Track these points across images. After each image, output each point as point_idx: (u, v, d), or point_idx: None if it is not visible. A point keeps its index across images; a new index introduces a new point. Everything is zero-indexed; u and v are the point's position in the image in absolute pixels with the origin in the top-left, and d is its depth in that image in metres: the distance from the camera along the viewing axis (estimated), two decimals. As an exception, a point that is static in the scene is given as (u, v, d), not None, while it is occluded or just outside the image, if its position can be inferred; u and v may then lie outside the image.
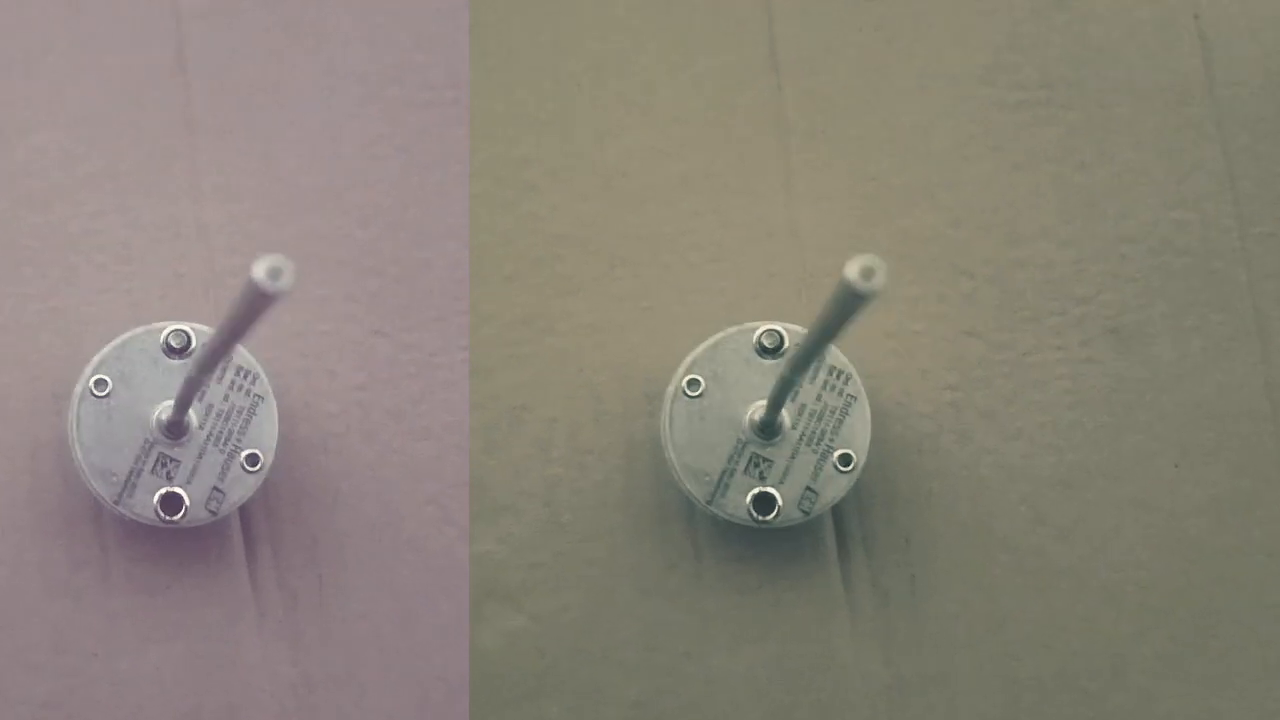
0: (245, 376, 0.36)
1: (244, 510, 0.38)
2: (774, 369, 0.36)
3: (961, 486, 0.38)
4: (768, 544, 0.39)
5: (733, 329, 0.37)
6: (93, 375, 0.35)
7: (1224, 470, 0.38)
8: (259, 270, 0.21)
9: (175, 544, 0.37)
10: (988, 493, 0.38)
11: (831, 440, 0.37)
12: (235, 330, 0.24)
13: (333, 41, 0.39)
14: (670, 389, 0.37)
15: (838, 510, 0.39)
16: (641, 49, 0.40)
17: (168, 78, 0.38)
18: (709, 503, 0.37)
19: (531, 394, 0.39)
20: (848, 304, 0.22)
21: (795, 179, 0.39)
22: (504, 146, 0.39)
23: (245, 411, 0.36)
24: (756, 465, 0.37)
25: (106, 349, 0.36)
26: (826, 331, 0.24)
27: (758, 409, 0.36)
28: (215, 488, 0.36)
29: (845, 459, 0.37)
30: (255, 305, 0.22)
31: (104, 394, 0.35)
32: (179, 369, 0.35)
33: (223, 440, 0.36)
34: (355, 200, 0.39)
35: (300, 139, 0.39)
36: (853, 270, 0.21)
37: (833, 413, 0.37)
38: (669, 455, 0.37)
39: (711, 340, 0.37)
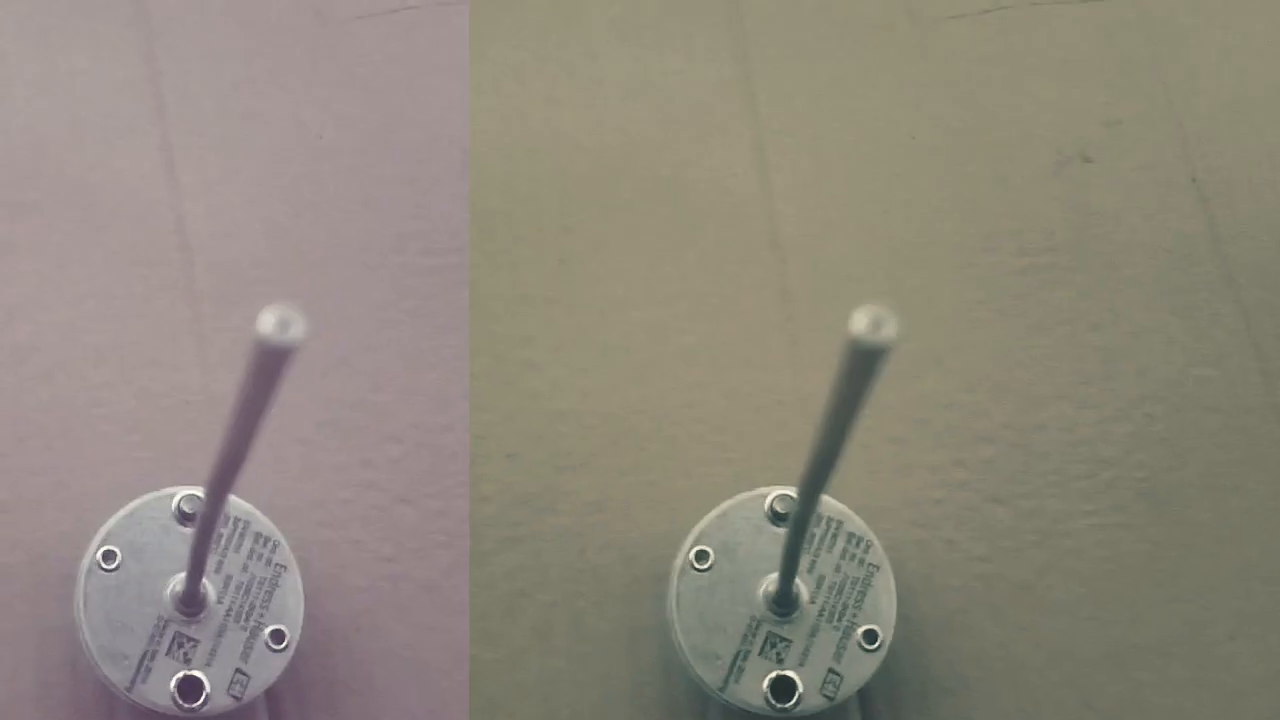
0: (265, 544, 0.34)
1: (271, 701, 0.34)
2: (788, 537, 0.34)
3: (999, 669, 0.35)
4: (790, 740, 0.35)
5: (743, 495, 0.35)
6: (100, 546, 0.33)
7: (1285, 641, 0.35)
8: (266, 323, 0.19)
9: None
10: (1029, 676, 0.35)
11: (854, 615, 0.34)
12: (250, 410, 0.21)
13: (334, 211, 0.39)
14: (677, 562, 0.35)
15: (865, 701, 0.35)
16: (643, 226, 0.40)
17: (171, 251, 0.38)
18: (721, 689, 0.34)
19: (530, 578, 0.36)
20: (860, 366, 0.20)
21: (800, 348, 0.38)
22: (504, 325, 0.39)
23: (267, 583, 0.33)
24: (773, 645, 0.34)
25: (115, 518, 0.33)
26: (841, 414, 0.22)
27: (772, 582, 0.34)
28: (239, 669, 0.32)
29: (870, 635, 0.34)
30: (268, 367, 0.20)
31: (113, 566, 0.33)
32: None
33: (244, 615, 0.33)
34: (366, 365, 0.37)
35: (304, 304, 0.38)
36: (860, 323, 0.19)
37: (854, 584, 0.34)
38: (676, 637, 0.34)
39: (720, 508, 0.35)
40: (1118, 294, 0.38)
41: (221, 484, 0.25)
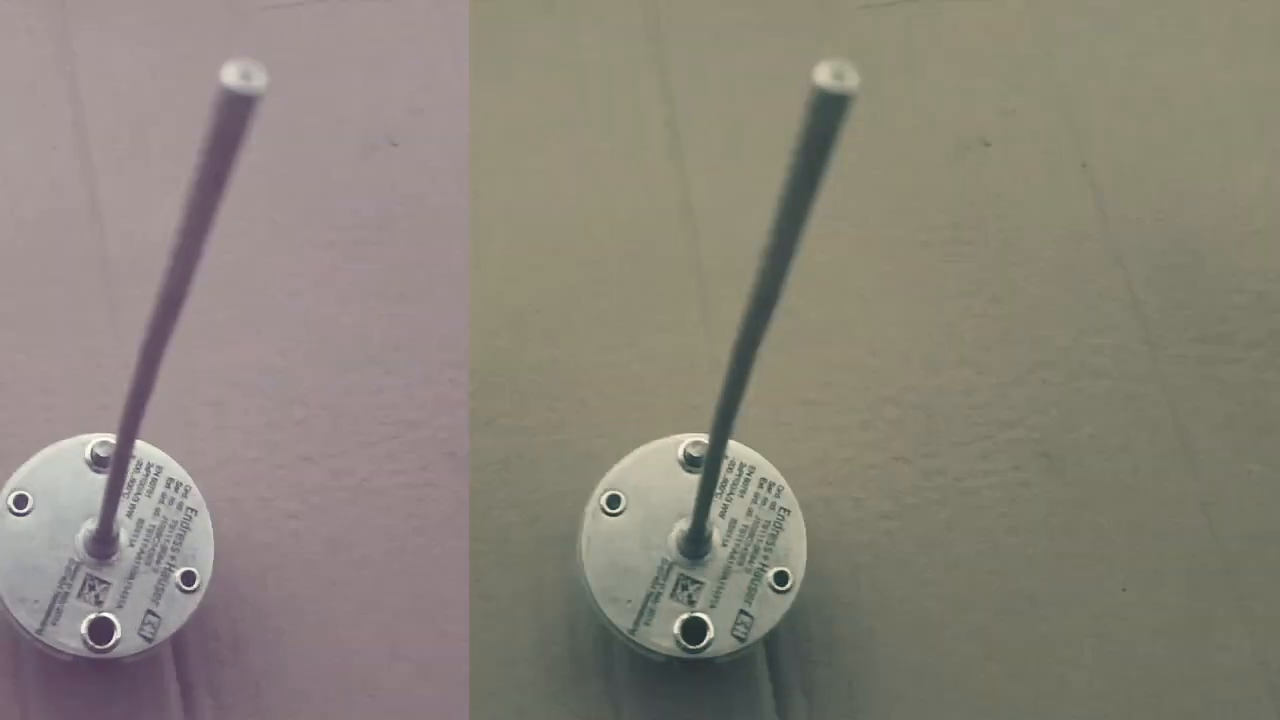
0: (177, 489, 0.34)
1: (180, 655, 0.34)
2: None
3: (905, 623, 0.35)
4: (696, 695, 0.35)
5: (657, 441, 0.35)
6: (12, 492, 0.33)
7: (1174, 592, 0.36)
8: (230, 75, 0.18)
9: (104, 692, 0.33)
10: (934, 629, 0.35)
11: (766, 558, 0.34)
12: (211, 175, 0.20)
13: (246, 190, 0.39)
14: (589, 507, 0.34)
15: (774, 655, 0.35)
16: (556, 195, 0.40)
17: (83, 221, 0.38)
18: (632, 632, 0.33)
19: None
20: (823, 118, 0.19)
21: (713, 315, 0.39)
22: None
23: (178, 525, 0.33)
24: (685, 588, 0.34)
25: (28, 463, 0.33)
26: (802, 184, 0.21)
27: (685, 523, 0.34)
28: (150, 611, 0.32)
29: (781, 577, 0.34)
30: (231, 118, 0.19)
31: (24, 511, 0.33)
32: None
33: (155, 558, 0.33)
34: (273, 332, 0.38)
35: (217, 275, 0.38)
36: (824, 74, 0.19)
37: (765, 527, 0.34)
38: (585, 581, 0.34)
39: (634, 454, 0.35)
40: (1015, 269, 0.39)
41: (162, 322, 0.23)
